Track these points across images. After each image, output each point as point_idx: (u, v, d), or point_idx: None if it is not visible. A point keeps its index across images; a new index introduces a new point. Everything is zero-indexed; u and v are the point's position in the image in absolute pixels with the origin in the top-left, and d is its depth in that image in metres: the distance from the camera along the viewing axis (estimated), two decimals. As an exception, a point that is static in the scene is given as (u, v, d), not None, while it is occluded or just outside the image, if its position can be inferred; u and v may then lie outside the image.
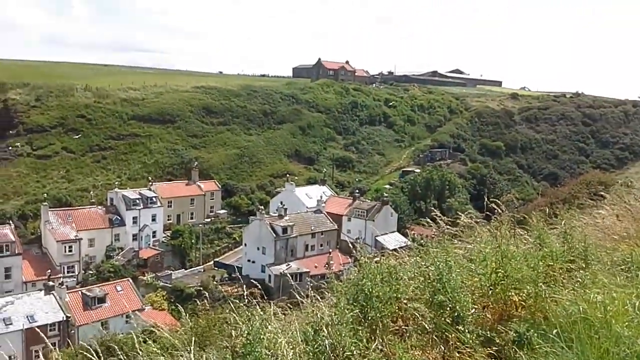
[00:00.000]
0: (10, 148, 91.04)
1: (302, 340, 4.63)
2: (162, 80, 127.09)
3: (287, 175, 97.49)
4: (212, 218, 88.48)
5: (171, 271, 73.50)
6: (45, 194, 79.03)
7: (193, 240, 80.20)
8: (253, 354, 3.92)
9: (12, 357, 49.21)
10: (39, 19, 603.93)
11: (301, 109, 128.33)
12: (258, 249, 72.97)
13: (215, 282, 69.56)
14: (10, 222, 69.46)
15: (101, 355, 5.84)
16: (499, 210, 7.68)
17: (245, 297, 5.33)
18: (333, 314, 4.86)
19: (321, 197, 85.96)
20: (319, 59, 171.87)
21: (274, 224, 73.20)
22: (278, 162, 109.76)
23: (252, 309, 4.80)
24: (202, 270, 76.57)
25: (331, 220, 79.51)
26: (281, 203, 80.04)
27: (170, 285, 68.06)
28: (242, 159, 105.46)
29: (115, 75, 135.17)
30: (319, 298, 5.81)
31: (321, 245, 77.03)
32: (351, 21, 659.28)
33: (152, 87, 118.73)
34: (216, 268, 76.75)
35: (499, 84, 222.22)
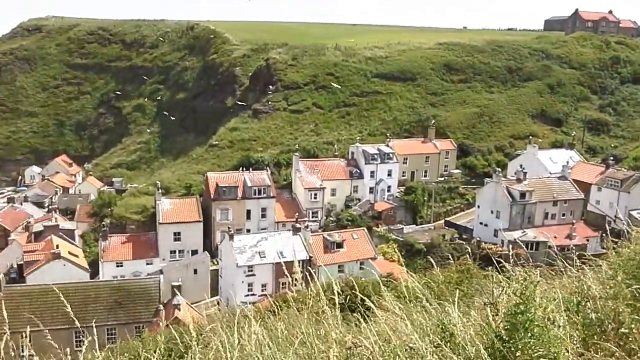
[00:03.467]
0: (270, 103, 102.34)
1: (565, 310, 4.29)
2: (407, 37, 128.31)
3: (530, 137, 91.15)
4: (446, 177, 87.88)
5: (403, 225, 75.56)
6: (297, 145, 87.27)
7: (425, 198, 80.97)
8: (525, 314, 3.75)
9: (264, 285, 56.81)
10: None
11: (551, 65, 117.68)
12: (492, 212, 70.52)
13: (445, 241, 69.70)
14: (268, 168, 78.81)
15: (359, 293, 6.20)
16: None
17: (511, 258, 5.13)
18: (608, 287, 4.37)
19: (567, 162, 78.74)
20: (576, 9, 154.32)
21: (511, 188, 69.72)
22: (520, 122, 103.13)
23: (520, 270, 4.58)
24: (433, 227, 77.10)
25: (577, 188, 72.53)
26: (520, 166, 75.53)
27: (401, 239, 70.20)
28: (482, 118, 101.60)
29: (362, 34, 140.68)
30: (585, 269, 5.29)
31: (563, 215, 71.04)
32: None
33: (395, 45, 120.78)
34: (446, 227, 76.55)
35: None
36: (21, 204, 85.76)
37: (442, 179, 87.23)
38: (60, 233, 65.42)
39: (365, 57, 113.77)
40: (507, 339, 3.87)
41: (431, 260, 7.78)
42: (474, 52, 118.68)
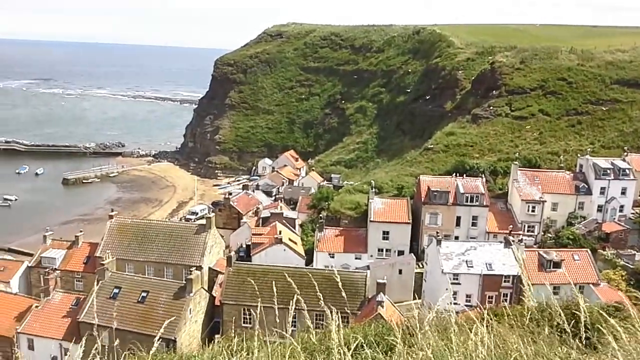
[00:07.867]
0: (491, 108, 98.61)
1: None
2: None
3: None
4: (698, 202, 75.08)
5: (635, 252, 66.69)
6: (517, 154, 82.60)
7: (668, 224, 70.21)
8: None
9: (469, 296, 55.00)
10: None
11: None
12: None
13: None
14: (483, 175, 76.02)
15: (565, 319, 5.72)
16: None
17: None
18: None
19: None
20: None
21: None
22: None
23: None
24: (675, 259, 66.53)
25: None
26: None
27: (631, 266, 62.07)
28: None
29: (604, 36, 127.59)
30: None
31: None
32: None
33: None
34: (693, 260, 65.41)
35: None
36: (253, 191, 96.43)
37: (692, 203, 74.76)
38: (284, 220, 71.85)
39: (605, 62, 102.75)
40: None
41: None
42: None
